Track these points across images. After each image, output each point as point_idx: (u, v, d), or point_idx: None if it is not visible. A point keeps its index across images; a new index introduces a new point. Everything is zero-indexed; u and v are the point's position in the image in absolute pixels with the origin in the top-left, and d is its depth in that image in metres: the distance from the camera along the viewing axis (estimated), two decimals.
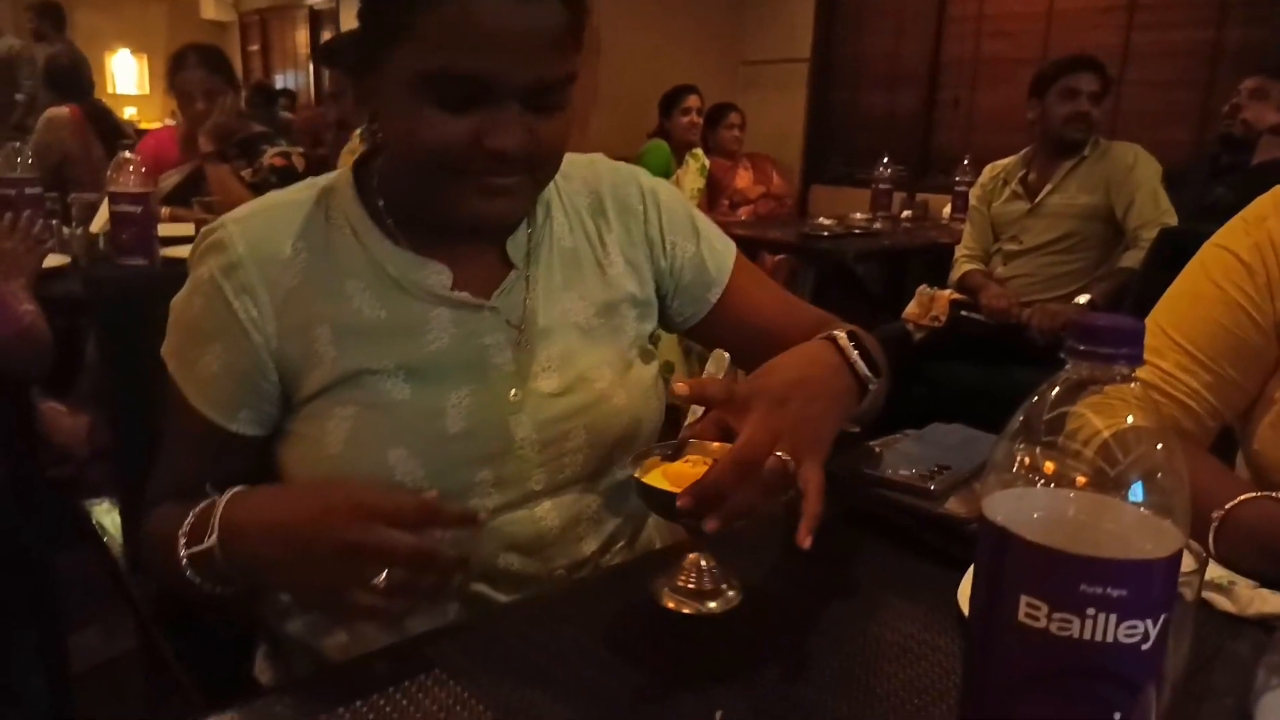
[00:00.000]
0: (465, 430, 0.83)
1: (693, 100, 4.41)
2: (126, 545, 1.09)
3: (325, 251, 0.84)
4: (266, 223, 0.84)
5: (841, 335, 0.84)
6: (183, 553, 0.76)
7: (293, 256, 0.83)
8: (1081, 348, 0.43)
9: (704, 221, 1.01)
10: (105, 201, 2.10)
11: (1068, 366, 0.45)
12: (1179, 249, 2.44)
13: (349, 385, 0.82)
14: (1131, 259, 2.61)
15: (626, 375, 0.93)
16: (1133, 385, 0.44)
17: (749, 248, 4.12)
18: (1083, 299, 2.66)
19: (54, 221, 2.30)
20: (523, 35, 0.73)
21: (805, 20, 5.04)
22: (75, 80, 4.29)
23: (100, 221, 2.26)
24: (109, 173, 1.95)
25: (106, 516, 1.15)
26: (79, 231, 2.27)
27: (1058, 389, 0.45)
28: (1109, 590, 0.41)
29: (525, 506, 0.87)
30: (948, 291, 2.91)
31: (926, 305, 2.90)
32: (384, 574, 0.67)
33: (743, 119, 4.69)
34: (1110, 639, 0.41)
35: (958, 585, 0.78)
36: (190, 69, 2.81)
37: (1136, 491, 0.43)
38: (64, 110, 3.82)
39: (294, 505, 0.74)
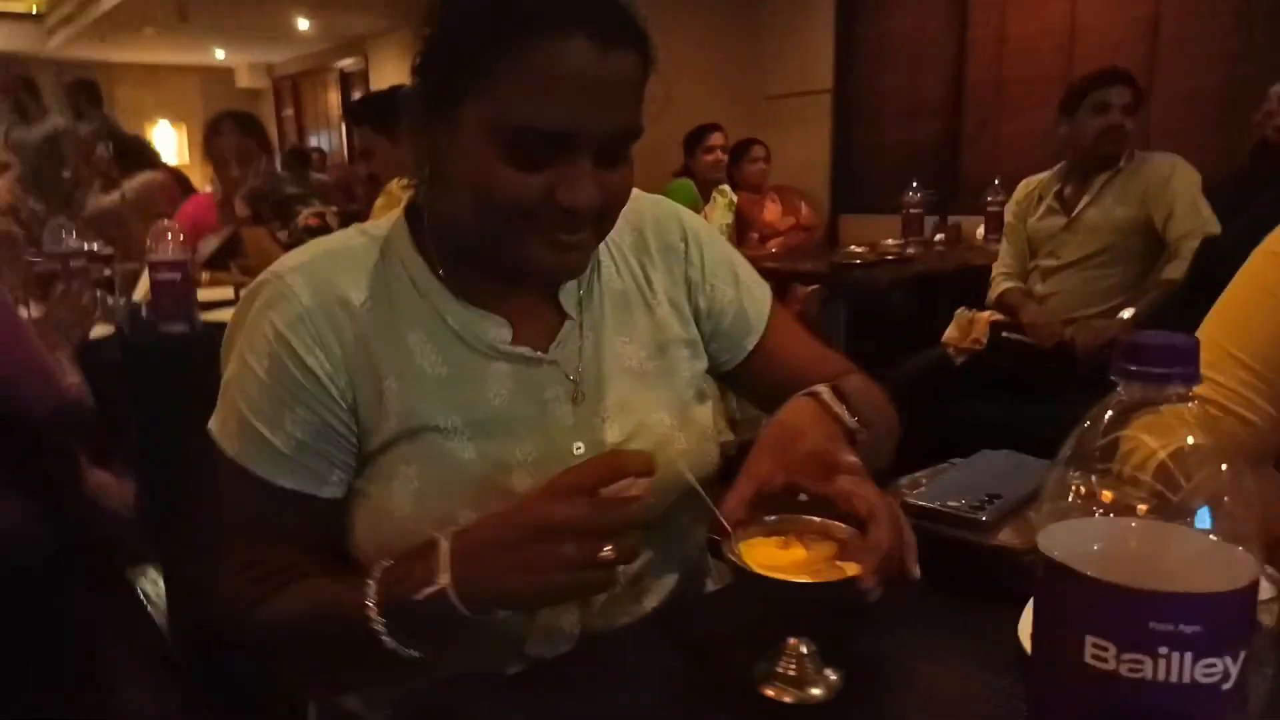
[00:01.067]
0: (533, 486, 0.77)
1: (716, 138, 4.42)
2: (170, 611, 1.09)
3: (388, 301, 0.82)
4: (328, 269, 0.81)
5: (825, 390, 0.84)
6: (375, 618, 0.70)
7: (356, 304, 0.80)
8: (1133, 369, 0.41)
9: (744, 266, 1.00)
10: (146, 270, 2.15)
11: (1119, 389, 0.42)
12: (1223, 258, 2.38)
13: (413, 443, 0.80)
14: (1174, 270, 2.53)
15: (684, 418, 0.91)
16: (1190, 405, 0.42)
17: (780, 280, 4.10)
18: (1126, 313, 2.58)
19: (98, 292, 2.36)
20: (604, 87, 0.72)
21: (825, 53, 5.06)
22: (143, 151, 4.44)
23: (142, 290, 2.31)
24: (148, 241, 1.99)
25: (151, 586, 1.15)
26: (123, 301, 2.32)
27: (1110, 413, 0.43)
28: (1182, 627, 0.38)
29: None
30: (987, 313, 2.85)
31: (966, 328, 2.84)
32: (609, 547, 0.67)
33: (767, 152, 4.69)
34: (1186, 679, 0.39)
35: (1017, 620, 0.75)
36: (225, 135, 2.89)
37: (1203, 517, 0.40)
38: (158, 175, 3.91)
39: (510, 514, 0.70)
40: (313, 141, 10.25)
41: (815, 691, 0.70)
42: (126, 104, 9.76)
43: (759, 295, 0.99)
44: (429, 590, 0.68)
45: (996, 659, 0.73)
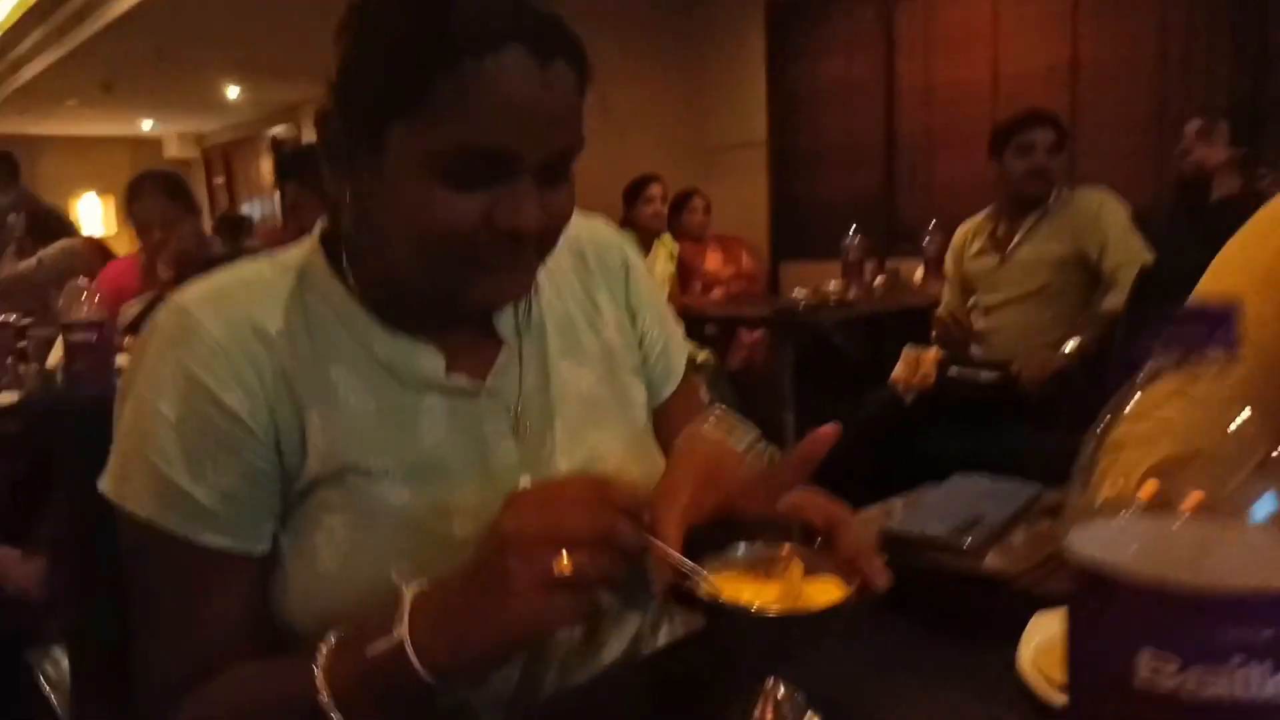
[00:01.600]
0: (475, 534, 0.67)
1: (655, 189, 4.43)
2: (75, 694, 0.97)
3: (306, 332, 0.74)
4: (238, 298, 0.73)
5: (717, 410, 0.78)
6: (325, 698, 0.61)
7: (274, 336, 0.72)
8: (1169, 334, 0.36)
9: (669, 311, 0.96)
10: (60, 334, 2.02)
11: (1153, 358, 0.37)
12: (1159, 286, 2.44)
13: (338, 488, 0.71)
14: (1113, 300, 2.58)
15: (638, 448, 0.85)
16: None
17: (726, 326, 4.10)
18: (1070, 345, 2.61)
19: (8, 359, 2.22)
20: (543, 105, 0.67)
21: (759, 104, 5.14)
22: (59, 221, 4.27)
23: (56, 355, 2.18)
24: (60, 302, 1.87)
25: (54, 667, 1.03)
26: (34, 367, 2.18)
27: (1144, 388, 0.37)
28: (1260, 631, 0.33)
29: None
30: (934, 350, 2.86)
31: (913, 365, 2.84)
32: (564, 557, 0.57)
33: (707, 203, 4.72)
34: (1268, 694, 0.33)
35: (1014, 650, 0.69)
36: (146, 196, 2.77)
37: (1268, 503, 0.35)
38: (76, 241, 3.76)
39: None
40: (245, 209, 10.06)
41: None
42: (51, 177, 9.49)
43: (681, 344, 0.95)
44: (382, 647, 0.59)
45: (995, 694, 0.67)
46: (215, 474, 0.69)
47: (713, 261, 4.73)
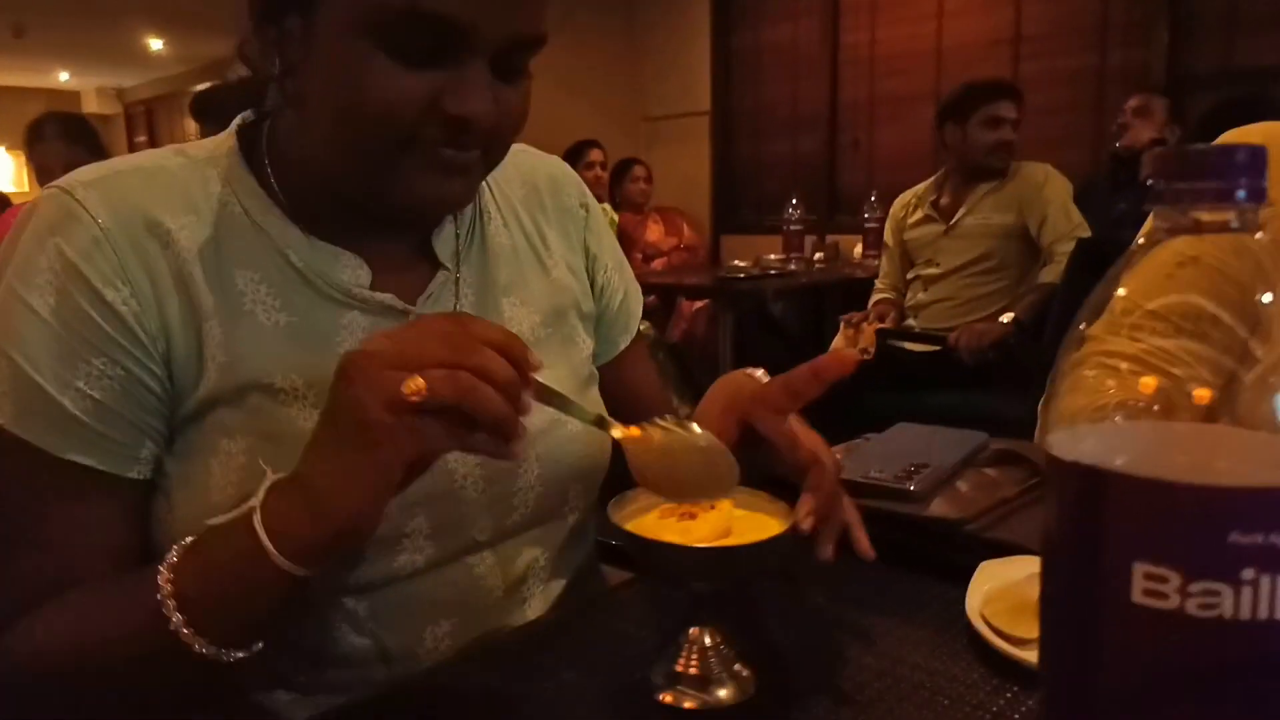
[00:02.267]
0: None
1: (595, 154, 4.35)
2: None
3: (211, 231, 0.65)
4: (134, 187, 0.64)
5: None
6: (175, 617, 0.54)
7: (172, 231, 0.63)
8: (1179, 186, 0.30)
9: (625, 261, 0.89)
10: None
11: (1154, 218, 0.31)
12: (1096, 259, 2.46)
13: (238, 407, 0.63)
14: (1050, 274, 2.60)
15: (581, 397, 0.77)
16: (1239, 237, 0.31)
17: (668, 295, 4.05)
18: (1006, 317, 2.62)
19: None
20: None
21: (702, 73, 5.07)
22: None
23: None
24: None
25: None
26: None
27: (1139, 258, 0.32)
28: (1275, 538, 0.27)
29: (463, 560, 0.70)
30: (872, 322, 2.85)
31: (853, 339, 2.83)
32: (414, 381, 0.50)
33: (648, 172, 4.65)
34: None
35: (962, 598, 0.65)
36: (48, 140, 2.59)
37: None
38: None
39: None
40: None
41: (722, 693, 0.57)
42: None
43: (638, 296, 0.89)
44: (226, 519, 0.54)
45: (940, 643, 0.63)
46: (87, 382, 0.60)
47: (653, 233, 4.67)
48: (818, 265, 4.00)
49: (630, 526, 0.57)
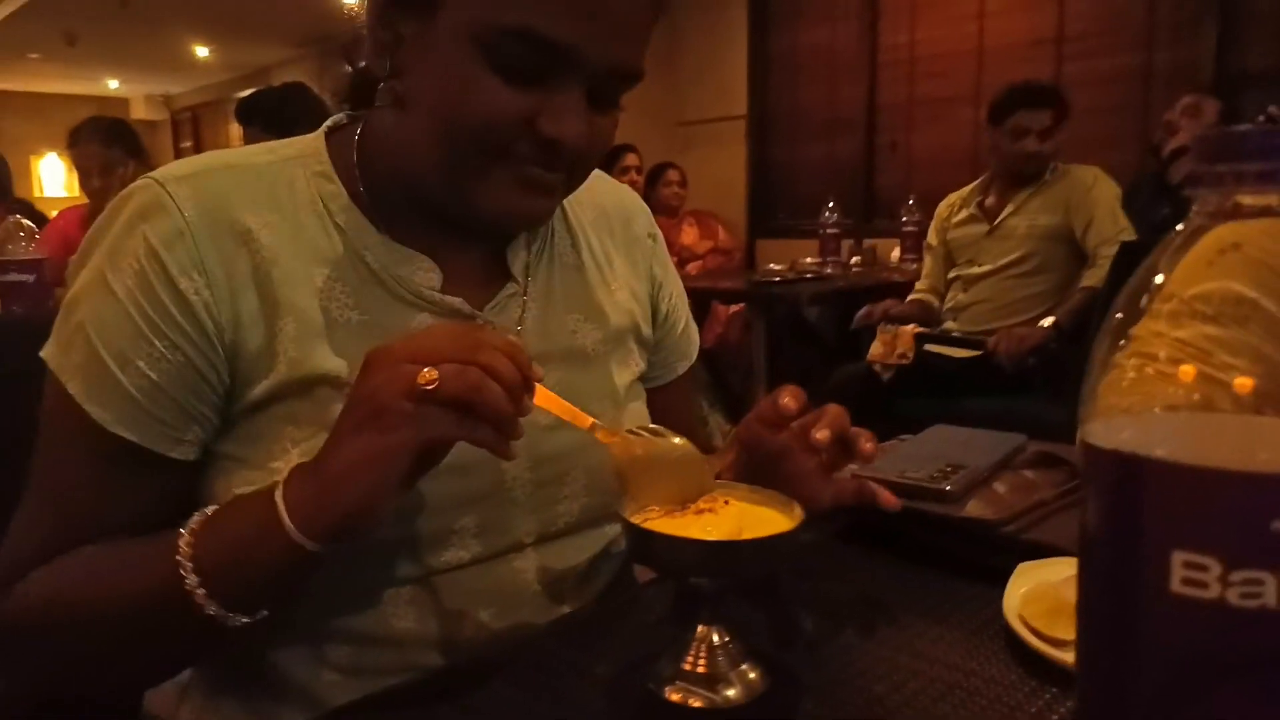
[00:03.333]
0: (448, 465, 0.61)
1: (630, 159, 4.36)
2: None
3: (293, 230, 0.68)
4: (222, 184, 0.67)
5: None
6: (190, 577, 0.57)
7: (254, 230, 0.66)
8: (1220, 168, 0.29)
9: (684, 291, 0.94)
10: None
11: (1194, 208, 0.31)
12: (1139, 262, 2.42)
13: (305, 398, 0.66)
14: (1093, 277, 2.55)
15: (625, 412, 0.80)
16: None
17: (702, 299, 4.03)
18: (1046, 322, 2.58)
19: None
20: (621, 9, 0.63)
21: (739, 77, 5.05)
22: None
23: None
24: None
25: None
26: None
27: (1180, 244, 0.31)
28: None
29: (507, 558, 0.72)
30: (910, 326, 2.81)
31: (890, 344, 2.79)
32: (428, 372, 0.54)
33: (683, 176, 4.65)
34: None
35: (998, 600, 0.64)
36: (84, 143, 2.68)
37: None
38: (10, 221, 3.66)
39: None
40: None
41: (730, 692, 0.56)
42: (10, 134, 9.24)
43: (694, 324, 0.93)
44: (253, 490, 0.58)
45: (976, 644, 0.62)
46: (147, 362, 0.63)
47: (688, 236, 4.66)
48: (854, 269, 3.97)
49: (637, 520, 0.57)
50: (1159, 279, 0.32)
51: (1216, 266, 0.31)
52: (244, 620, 0.58)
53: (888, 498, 0.70)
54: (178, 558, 0.57)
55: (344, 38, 0.71)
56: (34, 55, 8.25)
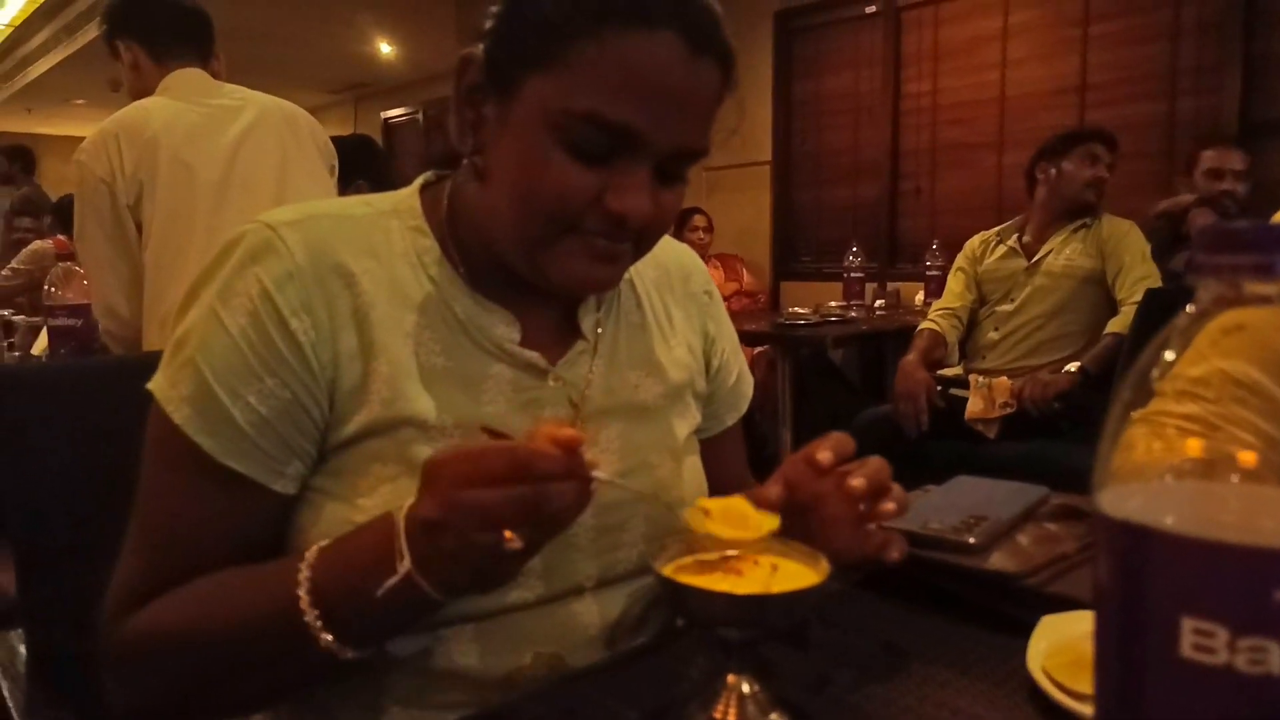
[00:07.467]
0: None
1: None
2: (30, 681, 0.93)
3: (389, 278, 0.73)
4: (326, 231, 0.72)
5: None
6: (307, 608, 0.60)
7: (356, 274, 0.71)
8: (1219, 260, 0.31)
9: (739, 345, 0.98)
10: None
11: (1197, 294, 0.33)
12: (1164, 309, 2.41)
13: (391, 437, 0.70)
14: (1118, 324, 2.55)
15: (684, 466, 0.83)
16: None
17: None
18: (1072, 367, 2.57)
19: None
20: (684, 94, 0.67)
21: (764, 125, 5.12)
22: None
23: (41, 343, 2.14)
24: (46, 285, 1.83)
25: (7, 653, 0.98)
26: (16, 355, 2.14)
27: (1186, 323, 0.33)
28: None
29: (567, 601, 0.75)
30: (1004, 378, 2.68)
31: (988, 397, 2.68)
32: (506, 535, 0.56)
33: (709, 221, 4.72)
34: None
35: (1021, 652, 0.65)
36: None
37: None
38: (49, 243, 3.82)
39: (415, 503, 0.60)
40: None
41: None
42: (56, 175, 9.48)
43: (748, 378, 0.96)
44: (392, 581, 0.57)
45: (999, 696, 0.63)
46: (258, 398, 0.67)
47: (714, 278, 4.70)
48: (878, 312, 3.99)
49: (669, 572, 0.59)
50: (1168, 355, 0.34)
51: (1220, 346, 0.33)
52: (355, 655, 0.60)
53: (891, 553, 0.71)
54: (298, 591, 0.60)
55: (375, 86, 0.76)
56: (79, 101, 8.50)
